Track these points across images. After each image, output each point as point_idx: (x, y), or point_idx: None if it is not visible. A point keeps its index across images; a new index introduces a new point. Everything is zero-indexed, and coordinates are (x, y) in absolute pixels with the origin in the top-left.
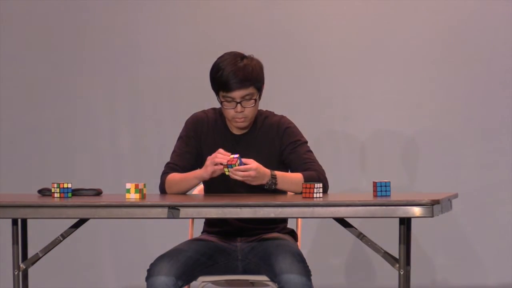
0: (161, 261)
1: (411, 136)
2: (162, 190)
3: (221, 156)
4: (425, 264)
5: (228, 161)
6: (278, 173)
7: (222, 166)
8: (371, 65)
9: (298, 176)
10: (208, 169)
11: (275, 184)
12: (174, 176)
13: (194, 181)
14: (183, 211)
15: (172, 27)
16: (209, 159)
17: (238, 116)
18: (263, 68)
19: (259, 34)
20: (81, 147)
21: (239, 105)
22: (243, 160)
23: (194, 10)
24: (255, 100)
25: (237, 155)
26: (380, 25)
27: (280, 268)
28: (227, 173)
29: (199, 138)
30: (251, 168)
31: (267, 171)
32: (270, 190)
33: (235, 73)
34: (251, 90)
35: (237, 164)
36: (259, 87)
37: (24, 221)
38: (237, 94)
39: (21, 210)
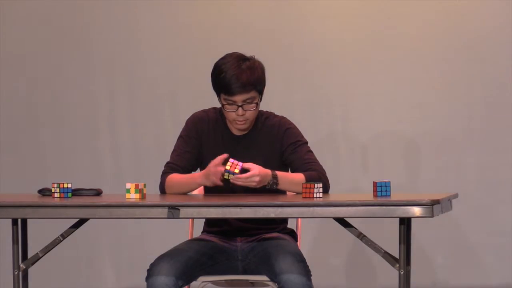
0: (161, 261)
1: (411, 136)
2: (162, 190)
3: (215, 172)
4: (425, 264)
5: (230, 167)
6: (279, 173)
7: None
8: (372, 66)
9: (299, 176)
10: (210, 179)
11: (277, 184)
12: (174, 177)
13: (194, 186)
14: (183, 211)
15: (172, 27)
16: (212, 173)
17: (239, 119)
18: (265, 70)
19: (259, 34)
20: (81, 147)
21: (240, 108)
22: (244, 165)
23: (194, 10)
24: (257, 103)
25: (240, 164)
26: (381, 25)
27: (280, 268)
28: (226, 177)
29: (200, 138)
30: (253, 175)
31: (268, 171)
32: (271, 190)
33: (238, 77)
34: (252, 94)
35: (237, 171)
36: (260, 90)
37: (24, 221)
38: (239, 98)
39: (21, 210)
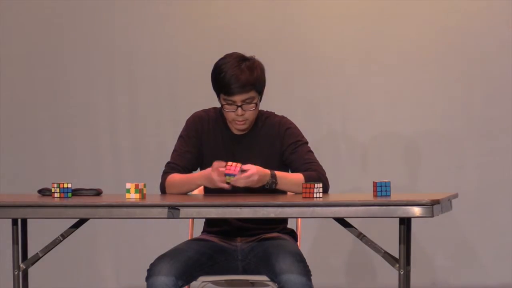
0: (161, 261)
1: (411, 136)
2: (163, 189)
3: (220, 180)
4: (425, 264)
5: (229, 170)
6: (278, 173)
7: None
8: (372, 66)
9: (298, 176)
10: (215, 184)
11: (275, 183)
12: (174, 177)
13: (194, 187)
14: (183, 211)
15: (172, 27)
16: (216, 180)
17: (238, 119)
18: (264, 70)
19: (259, 34)
20: (81, 147)
21: (239, 108)
22: (242, 166)
23: (194, 10)
24: (256, 103)
25: (239, 166)
26: (381, 25)
27: (280, 268)
28: (228, 180)
29: (200, 137)
30: (252, 174)
31: (267, 171)
32: (270, 189)
33: (237, 77)
34: (252, 94)
35: (237, 173)
36: (260, 91)
37: (24, 221)
38: (238, 98)
39: (21, 210)
